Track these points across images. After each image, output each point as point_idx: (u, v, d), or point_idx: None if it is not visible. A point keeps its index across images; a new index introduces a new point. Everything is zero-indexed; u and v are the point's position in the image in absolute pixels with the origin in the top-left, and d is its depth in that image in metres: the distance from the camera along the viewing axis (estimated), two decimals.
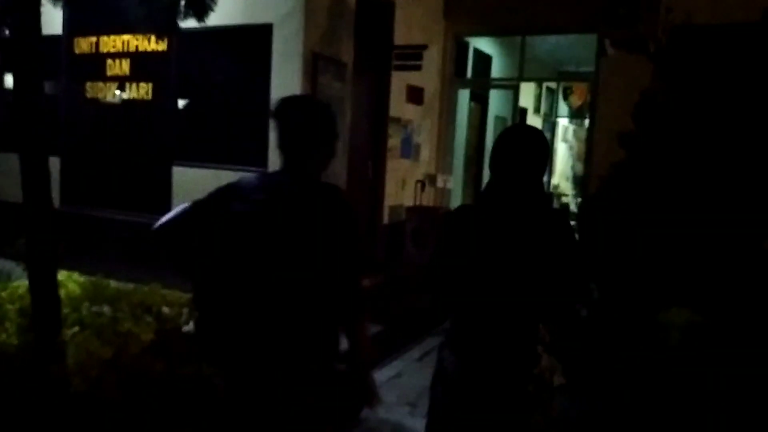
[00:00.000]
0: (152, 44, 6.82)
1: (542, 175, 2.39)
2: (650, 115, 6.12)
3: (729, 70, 7.22)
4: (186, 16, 4.53)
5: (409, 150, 7.92)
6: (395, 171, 7.60)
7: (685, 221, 4.81)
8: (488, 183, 2.42)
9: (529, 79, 9.77)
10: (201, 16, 4.44)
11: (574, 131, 17.23)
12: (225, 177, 5.85)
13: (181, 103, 6.69)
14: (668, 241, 4.58)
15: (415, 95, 7.99)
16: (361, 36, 6.80)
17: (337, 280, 2.17)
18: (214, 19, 6.22)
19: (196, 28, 6.32)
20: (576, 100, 15.58)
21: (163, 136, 6.80)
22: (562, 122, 15.90)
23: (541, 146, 2.36)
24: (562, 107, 15.66)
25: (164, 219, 2.26)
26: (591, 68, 9.64)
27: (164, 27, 6.63)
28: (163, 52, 6.77)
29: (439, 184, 8.32)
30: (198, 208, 2.24)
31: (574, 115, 16.51)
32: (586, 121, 17.78)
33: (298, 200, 2.16)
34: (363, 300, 2.28)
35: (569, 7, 8.01)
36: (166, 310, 3.81)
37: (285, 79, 6.01)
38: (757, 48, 7.11)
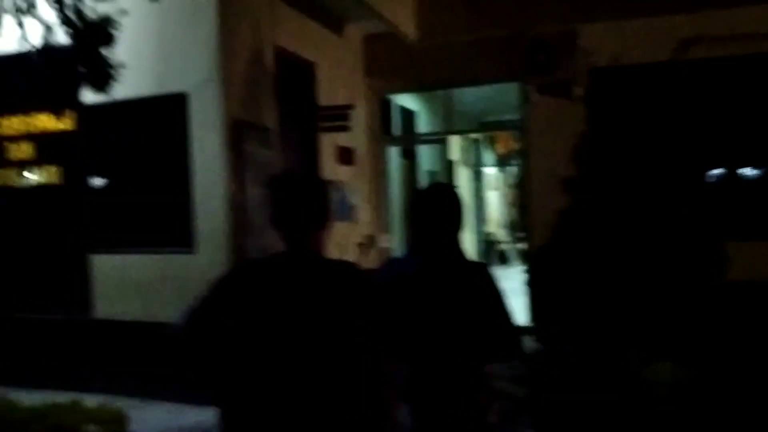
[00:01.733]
0: (57, 123, 6.28)
1: (459, 230, 2.52)
2: (589, 156, 6.03)
3: (651, 107, 7.35)
4: (88, 88, 4.07)
5: (345, 212, 7.58)
6: (333, 235, 7.19)
7: (642, 264, 4.67)
8: (412, 243, 2.56)
9: (456, 132, 9.68)
10: (103, 87, 4.00)
11: (503, 178, 17.44)
12: (150, 262, 5.35)
13: (95, 183, 6.13)
14: (631, 288, 4.39)
15: (345, 156, 7.71)
16: (283, 99, 6.50)
17: (364, 366, 2.07)
18: (123, 91, 5.79)
19: (104, 103, 5.90)
20: (501, 148, 15.80)
21: (77, 222, 6.21)
22: (489, 171, 16.06)
23: (456, 202, 2.52)
24: (488, 156, 15.84)
25: (181, 319, 2.14)
26: (513, 116, 9.73)
27: (66, 102, 6.18)
28: (70, 131, 6.24)
29: (382, 243, 7.98)
30: (208, 297, 2.13)
31: (500, 163, 16.74)
32: (512, 168, 18.19)
33: (313, 279, 2.08)
34: (390, 385, 2.17)
35: (490, 57, 8.01)
36: (88, 429, 3.25)
37: (206, 150, 5.60)
38: (672, 84, 7.27)
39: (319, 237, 2.16)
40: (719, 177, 7.38)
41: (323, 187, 2.26)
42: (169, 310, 5.70)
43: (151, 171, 5.89)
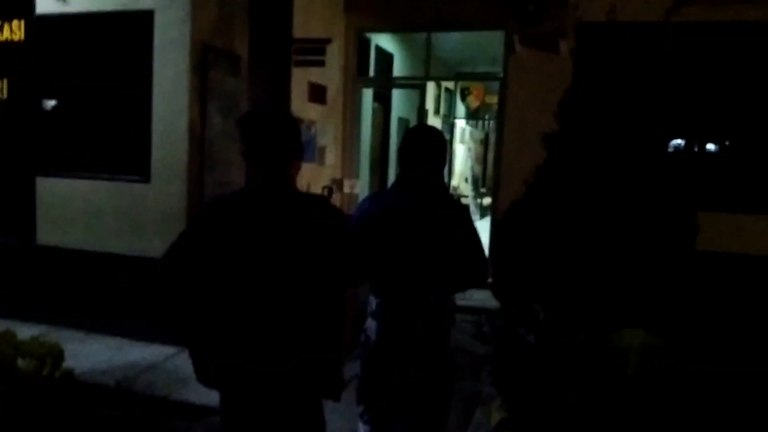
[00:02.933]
0: (5, 32, 5.77)
1: (443, 169, 2.83)
2: (573, 113, 5.83)
3: (639, 68, 7.14)
4: None
5: (313, 153, 7.26)
6: (299, 177, 6.90)
7: (620, 226, 4.54)
8: (399, 175, 2.81)
9: (435, 79, 9.34)
10: None
11: (471, 132, 17.21)
12: (102, 189, 4.99)
13: (48, 104, 5.66)
14: (606, 250, 4.24)
15: (317, 94, 7.34)
16: (256, 26, 6.08)
17: (332, 292, 2.22)
18: (82, 4, 5.36)
19: (61, 14, 5.44)
20: (473, 101, 15.49)
21: (24, 141, 5.76)
22: (460, 123, 15.79)
23: (443, 143, 2.84)
24: (460, 108, 15.55)
25: (164, 257, 2.20)
26: (493, 68, 9.42)
27: (17, 10, 5.68)
28: (19, 42, 5.73)
29: (347, 189, 7.71)
30: (189, 235, 2.20)
31: (471, 116, 16.47)
32: (481, 123, 17.92)
33: (290, 214, 2.16)
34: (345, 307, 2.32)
35: (476, 2, 7.64)
36: (21, 363, 2.97)
37: (169, 74, 5.20)
38: (662, 46, 7.06)
39: (291, 172, 2.25)
40: (699, 145, 7.25)
41: (295, 123, 2.32)
42: (118, 241, 5.40)
43: (108, 92, 5.46)
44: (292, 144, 2.25)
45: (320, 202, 2.30)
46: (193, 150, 5.18)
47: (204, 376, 2.23)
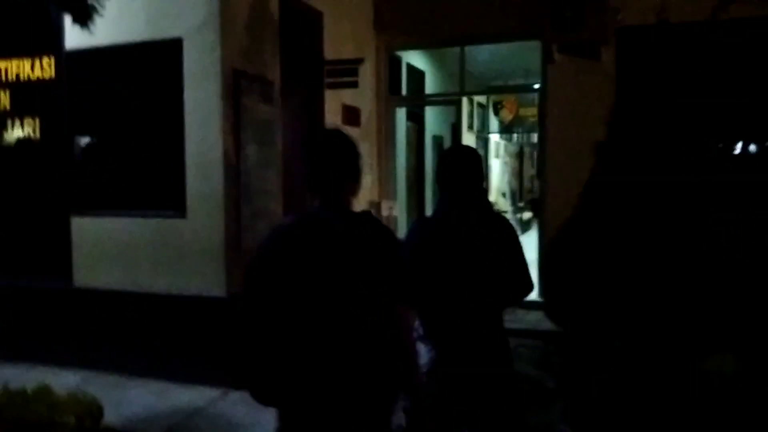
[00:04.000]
0: (36, 70, 5.66)
1: (482, 186, 2.94)
2: (626, 121, 5.53)
3: (686, 71, 6.79)
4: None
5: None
6: None
7: (691, 245, 4.21)
8: (442, 197, 2.89)
9: (470, 93, 9.08)
10: (84, 21, 3.40)
11: (505, 146, 16.88)
12: (137, 226, 4.78)
13: (80, 141, 5.51)
14: (684, 266, 3.90)
15: (351, 116, 7.13)
16: (287, 50, 5.89)
17: (390, 311, 2.19)
18: (110, 36, 5.21)
19: (89, 48, 5.30)
20: (507, 115, 15.18)
21: (57, 180, 5.62)
22: (494, 138, 15.47)
23: (479, 160, 2.93)
24: (493, 122, 15.25)
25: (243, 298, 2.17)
26: (523, 80, 9.16)
27: (46, 46, 5.56)
28: (50, 79, 5.62)
29: (384, 212, 7.45)
30: (259, 269, 2.17)
31: (505, 129, 16.14)
32: (516, 136, 17.58)
33: (342, 234, 2.15)
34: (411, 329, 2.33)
35: (510, 12, 7.38)
36: (59, 421, 2.73)
37: (201, 102, 5.01)
38: (710, 46, 6.69)
39: (349, 195, 2.23)
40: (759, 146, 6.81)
41: (356, 144, 2.30)
42: (155, 279, 5.20)
43: (140, 126, 5.29)
44: (353, 165, 2.25)
45: (373, 221, 2.29)
46: (229, 181, 4.97)
47: (264, 396, 2.20)
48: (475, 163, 2.90)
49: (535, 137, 17.02)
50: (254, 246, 5.16)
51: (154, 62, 5.21)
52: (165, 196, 5.11)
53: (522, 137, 17.47)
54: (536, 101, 14.04)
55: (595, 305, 4.51)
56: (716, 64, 6.67)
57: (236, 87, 5.08)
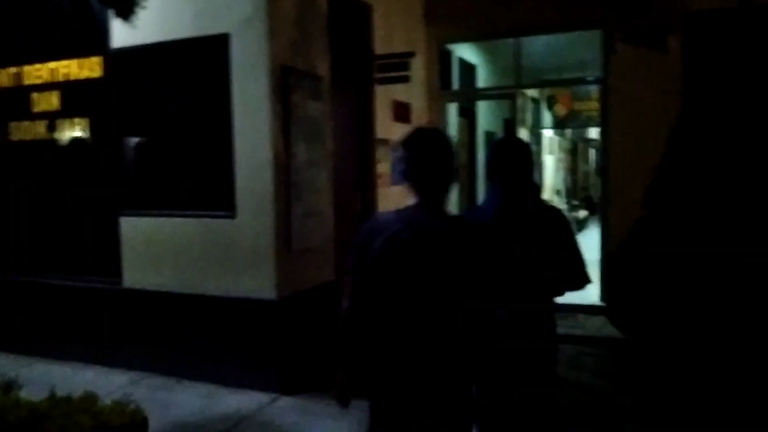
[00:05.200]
0: (84, 70, 5.62)
1: (532, 176, 2.99)
2: (698, 118, 5.17)
3: (761, 59, 6.29)
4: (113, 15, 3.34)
5: (402, 175, 6.80)
6: (388, 201, 6.48)
7: None
8: (494, 188, 2.92)
9: (524, 86, 8.74)
10: (127, 15, 3.28)
11: (559, 142, 16.41)
12: (186, 227, 4.66)
13: (129, 140, 5.44)
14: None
15: (402, 112, 6.92)
16: (336, 44, 5.70)
17: (474, 313, 2.22)
18: (156, 34, 5.13)
19: (135, 46, 5.23)
20: (561, 109, 14.73)
21: (106, 180, 5.57)
22: (547, 134, 15.05)
23: (529, 151, 2.98)
24: (546, 117, 14.84)
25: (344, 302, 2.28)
26: (578, 73, 8.77)
27: (93, 46, 5.51)
28: (98, 78, 5.57)
29: None
30: (356, 264, 2.24)
31: (559, 125, 15.68)
32: (570, 131, 17.07)
33: (443, 238, 2.17)
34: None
35: (568, 0, 7.04)
36: None
37: (249, 100, 4.86)
38: None
39: (448, 194, 2.26)
40: None
41: (452, 144, 2.31)
42: (205, 280, 5.09)
43: (188, 124, 5.19)
44: (454, 167, 2.26)
45: (464, 225, 2.30)
46: (279, 180, 4.82)
47: (356, 389, 2.30)
48: (527, 154, 2.96)
49: (589, 133, 16.49)
50: (305, 246, 5.02)
51: (201, 59, 5.09)
52: (214, 195, 4.99)
53: (576, 133, 16.98)
54: (591, 95, 13.61)
55: (664, 312, 4.33)
56: None
57: (285, 83, 4.92)
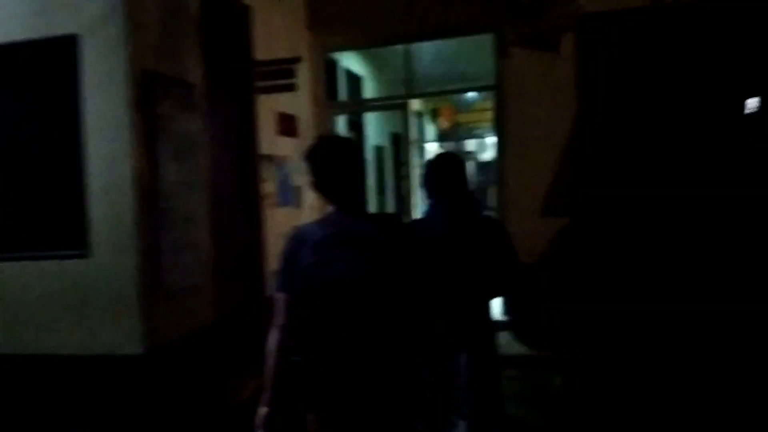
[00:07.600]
0: None
1: (468, 187, 3.22)
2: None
3: (655, 59, 6.16)
4: None
5: (289, 195, 6.14)
6: (275, 224, 5.79)
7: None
8: (432, 204, 3.18)
9: (414, 96, 8.33)
10: None
11: None
12: (25, 273, 3.73)
13: None
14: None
15: (287, 125, 6.26)
16: (211, 49, 4.97)
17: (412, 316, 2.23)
18: None
19: None
20: (443, 122, 14.62)
21: None
22: (431, 147, 14.88)
23: (464, 166, 3.24)
24: (430, 131, 14.67)
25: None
26: (472, 83, 8.56)
27: None
28: None
29: None
30: (286, 279, 2.23)
31: (442, 138, 15.57)
32: (452, 144, 17.03)
33: (373, 237, 2.18)
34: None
35: (461, 4, 6.67)
36: None
37: (105, 111, 4.04)
38: (677, 30, 6.09)
39: (364, 195, 2.45)
40: None
41: (355, 145, 2.38)
42: (53, 338, 4.12)
43: (27, 143, 4.26)
44: (361, 169, 2.30)
45: (393, 219, 2.43)
46: (143, 207, 4.00)
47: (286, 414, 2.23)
48: (462, 168, 3.18)
49: (469, 144, 16.47)
50: (179, 286, 4.21)
51: (44, 65, 4.21)
52: (61, 230, 4.09)
53: (458, 145, 17.02)
54: (476, 106, 13.51)
55: (571, 325, 4.67)
56: (688, 49, 6.04)
57: (148, 92, 4.13)
